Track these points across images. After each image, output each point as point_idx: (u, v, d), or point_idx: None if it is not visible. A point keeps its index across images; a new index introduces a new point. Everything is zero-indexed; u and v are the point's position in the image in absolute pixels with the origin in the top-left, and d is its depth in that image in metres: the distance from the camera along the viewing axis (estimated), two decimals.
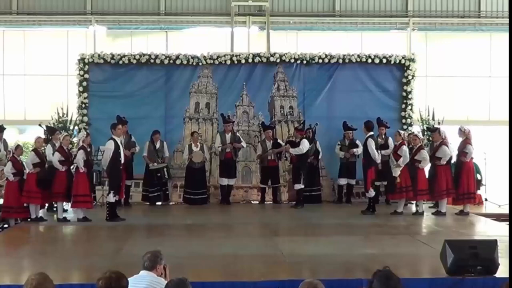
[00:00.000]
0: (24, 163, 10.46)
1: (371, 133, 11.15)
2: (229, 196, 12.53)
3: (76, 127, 13.01)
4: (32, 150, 10.40)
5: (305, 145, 11.63)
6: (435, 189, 10.93)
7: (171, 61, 13.03)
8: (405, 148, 10.91)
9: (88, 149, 10.65)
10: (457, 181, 11.09)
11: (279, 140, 12.60)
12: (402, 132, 11.49)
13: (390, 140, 11.70)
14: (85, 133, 10.86)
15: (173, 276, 4.42)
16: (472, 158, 11.33)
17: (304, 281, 4.02)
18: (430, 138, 12.32)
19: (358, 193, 12.75)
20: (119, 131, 10.38)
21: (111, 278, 4.03)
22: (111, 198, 10.25)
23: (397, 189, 10.96)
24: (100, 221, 10.16)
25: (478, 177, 13.47)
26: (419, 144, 11.02)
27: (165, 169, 12.06)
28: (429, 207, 11.66)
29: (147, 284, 4.67)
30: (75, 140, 12.95)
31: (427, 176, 11.06)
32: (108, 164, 10.20)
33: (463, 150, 11.16)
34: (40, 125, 11.98)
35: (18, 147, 10.49)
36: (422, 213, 10.91)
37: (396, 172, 10.88)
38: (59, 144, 10.51)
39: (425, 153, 10.90)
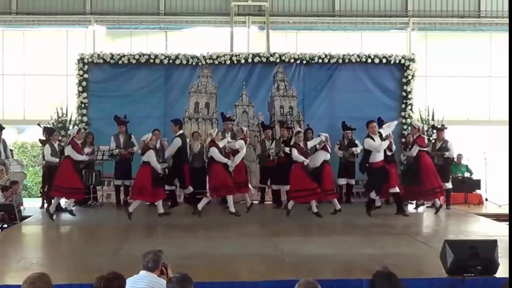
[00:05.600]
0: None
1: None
2: None
3: (76, 127, 13.00)
4: (70, 143, 10.50)
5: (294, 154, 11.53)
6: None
7: (171, 61, 13.04)
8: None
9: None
10: (418, 178, 10.95)
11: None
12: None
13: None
14: (149, 135, 10.77)
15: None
16: (428, 152, 11.24)
17: (300, 281, 4.01)
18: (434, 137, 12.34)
19: (358, 193, 12.75)
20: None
21: (108, 278, 4.02)
22: (188, 190, 11.15)
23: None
24: (100, 221, 10.15)
25: (467, 175, 13.51)
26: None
27: (166, 170, 12.04)
28: (427, 207, 11.66)
29: (147, 285, 4.66)
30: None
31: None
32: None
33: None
34: (39, 125, 11.97)
35: (79, 131, 10.79)
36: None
37: None
38: (71, 140, 10.56)
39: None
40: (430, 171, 10.94)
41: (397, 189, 10.56)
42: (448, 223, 10.24)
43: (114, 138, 12.08)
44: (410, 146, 11.36)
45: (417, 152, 10.98)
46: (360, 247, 8.06)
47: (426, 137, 11.80)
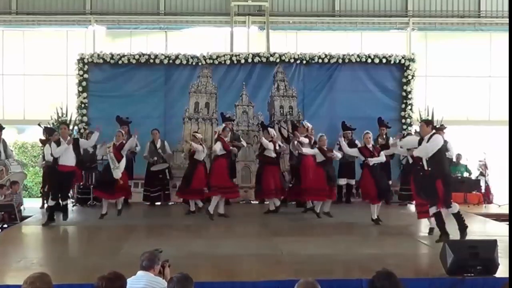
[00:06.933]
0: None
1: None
2: None
3: (76, 127, 13.01)
4: (219, 141, 10.49)
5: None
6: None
7: (171, 61, 13.04)
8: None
9: None
10: (298, 178, 10.94)
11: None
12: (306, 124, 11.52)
13: (391, 140, 11.68)
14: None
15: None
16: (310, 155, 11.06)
17: (300, 281, 4.02)
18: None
19: (358, 193, 12.74)
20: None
21: (110, 278, 4.02)
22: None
23: None
24: (100, 221, 10.16)
25: (466, 174, 13.53)
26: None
27: (166, 170, 12.07)
28: None
29: (145, 284, 4.67)
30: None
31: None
32: None
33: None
34: (39, 125, 11.97)
35: (224, 128, 10.70)
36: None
37: None
38: (218, 136, 10.54)
39: None
40: (311, 172, 10.77)
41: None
42: (448, 223, 10.21)
43: None
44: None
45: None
46: (360, 247, 8.07)
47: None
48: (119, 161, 10.29)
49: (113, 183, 10.25)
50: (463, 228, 8.34)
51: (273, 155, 11.01)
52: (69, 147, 9.65)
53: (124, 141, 10.58)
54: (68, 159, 9.67)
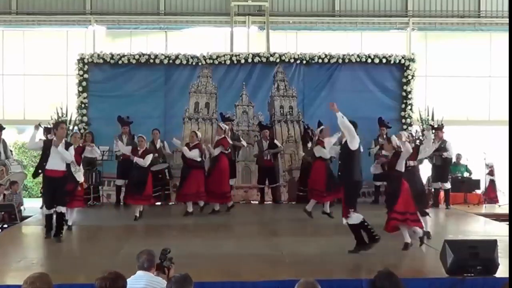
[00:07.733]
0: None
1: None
2: None
3: (76, 127, 13.00)
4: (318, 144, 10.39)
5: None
6: None
7: (171, 61, 13.04)
8: None
9: None
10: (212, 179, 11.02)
11: (275, 141, 12.58)
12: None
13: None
14: None
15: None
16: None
17: (300, 281, 4.02)
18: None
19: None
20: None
21: (109, 278, 4.02)
22: None
23: None
24: (100, 221, 10.16)
25: (466, 175, 13.54)
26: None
27: (166, 170, 12.08)
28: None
29: (145, 284, 4.67)
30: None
31: None
32: None
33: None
34: (39, 125, 11.95)
35: (322, 130, 10.50)
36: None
37: None
38: (318, 140, 10.42)
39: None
40: (223, 174, 10.99)
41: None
42: (448, 223, 10.23)
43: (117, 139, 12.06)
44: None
45: (219, 153, 10.98)
46: None
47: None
48: (79, 164, 9.36)
49: (73, 190, 9.18)
50: (370, 241, 7.60)
51: (199, 159, 10.85)
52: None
53: (82, 145, 9.71)
54: (57, 163, 8.63)
